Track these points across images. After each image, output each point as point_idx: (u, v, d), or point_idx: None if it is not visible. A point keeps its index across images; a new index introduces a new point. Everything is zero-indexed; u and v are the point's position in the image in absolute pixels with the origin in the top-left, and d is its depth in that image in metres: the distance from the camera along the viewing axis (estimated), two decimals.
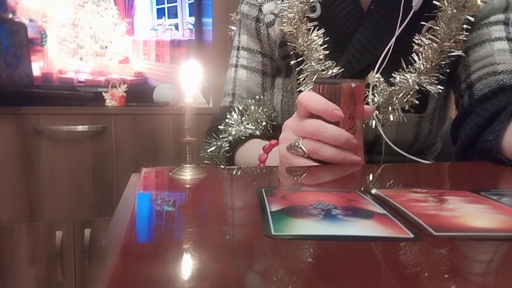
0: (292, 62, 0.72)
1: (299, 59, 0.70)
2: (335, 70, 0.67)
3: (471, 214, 0.27)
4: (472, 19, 0.63)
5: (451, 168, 0.54)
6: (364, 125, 0.55)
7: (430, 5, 0.65)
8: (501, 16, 0.65)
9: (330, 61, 0.68)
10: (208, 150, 0.76)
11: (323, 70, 0.68)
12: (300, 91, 0.70)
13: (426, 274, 0.18)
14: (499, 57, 0.63)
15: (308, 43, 0.68)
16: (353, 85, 0.50)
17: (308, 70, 0.69)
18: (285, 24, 0.70)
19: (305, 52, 0.69)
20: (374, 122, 0.66)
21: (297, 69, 0.71)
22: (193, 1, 1.67)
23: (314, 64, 0.68)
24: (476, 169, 0.51)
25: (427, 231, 0.23)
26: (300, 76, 0.70)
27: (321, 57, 0.68)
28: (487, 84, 0.63)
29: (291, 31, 0.69)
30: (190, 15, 1.69)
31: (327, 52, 0.68)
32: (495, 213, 0.27)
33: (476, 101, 0.63)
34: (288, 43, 0.72)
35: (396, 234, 0.23)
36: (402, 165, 0.57)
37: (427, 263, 0.20)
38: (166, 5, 1.69)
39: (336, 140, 0.47)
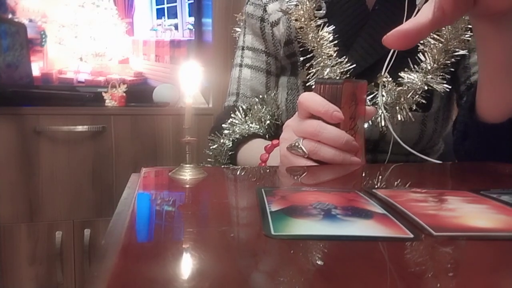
0: (301, 59, 0.72)
1: (308, 55, 0.70)
2: (346, 66, 0.68)
3: (471, 214, 0.27)
4: None
5: (451, 168, 0.54)
6: (366, 125, 0.55)
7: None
8: None
9: (340, 57, 0.68)
10: (211, 148, 0.76)
11: (333, 66, 0.68)
12: (310, 86, 0.70)
13: (426, 274, 0.18)
14: None
15: (318, 39, 0.69)
16: (355, 84, 0.50)
17: (320, 65, 0.69)
18: (295, 21, 0.70)
19: (315, 48, 0.69)
20: (382, 120, 0.66)
21: (307, 65, 0.71)
22: (192, 1, 1.67)
23: (325, 59, 0.68)
24: (476, 169, 0.51)
25: (427, 231, 0.23)
26: (310, 71, 0.70)
27: (331, 52, 0.68)
28: None
29: (301, 28, 0.70)
30: (189, 15, 1.69)
31: (336, 48, 0.68)
32: (495, 213, 0.27)
33: None
34: (297, 40, 0.72)
35: (396, 234, 0.23)
36: (402, 165, 0.57)
37: (426, 263, 0.20)
38: (165, 5, 1.69)
39: (336, 142, 0.48)
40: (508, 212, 0.27)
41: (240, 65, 0.83)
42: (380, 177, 0.45)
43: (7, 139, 1.26)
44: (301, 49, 0.73)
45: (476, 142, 0.55)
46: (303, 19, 0.69)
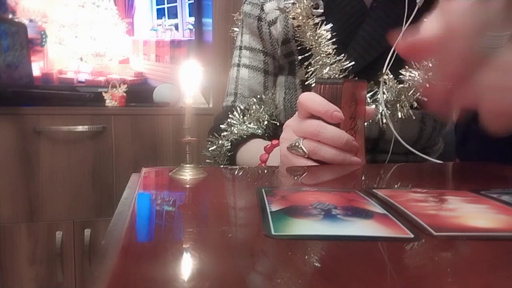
0: (299, 58, 0.72)
1: (306, 54, 0.70)
2: (344, 64, 0.67)
3: (471, 214, 0.27)
4: None
5: (451, 168, 0.54)
6: (366, 124, 0.55)
7: (435, 1, 0.65)
8: None
9: (339, 55, 0.68)
10: (210, 149, 0.76)
11: (332, 64, 0.68)
12: (309, 85, 0.70)
13: (426, 274, 0.18)
14: None
15: (316, 37, 0.69)
16: (355, 84, 0.50)
17: (318, 63, 0.69)
18: (292, 19, 0.70)
19: (313, 47, 0.69)
20: (383, 118, 0.66)
21: (305, 63, 0.71)
22: (193, 1, 1.67)
23: (324, 57, 0.68)
24: (476, 169, 0.51)
25: (427, 231, 0.23)
26: (309, 70, 0.70)
27: (329, 51, 0.68)
28: None
29: (299, 26, 0.70)
30: (190, 15, 1.69)
31: (335, 46, 0.68)
32: (495, 213, 0.27)
33: None
34: (294, 39, 0.72)
35: (396, 234, 0.23)
36: (402, 165, 0.57)
37: (427, 263, 0.20)
38: (166, 5, 1.69)
39: (336, 141, 0.48)
40: (508, 212, 0.27)
41: (238, 65, 0.83)
42: (380, 177, 0.45)
43: (7, 139, 1.26)
44: (298, 48, 0.73)
45: (476, 145, 0.55)
46: (300, 17, 0.69)
